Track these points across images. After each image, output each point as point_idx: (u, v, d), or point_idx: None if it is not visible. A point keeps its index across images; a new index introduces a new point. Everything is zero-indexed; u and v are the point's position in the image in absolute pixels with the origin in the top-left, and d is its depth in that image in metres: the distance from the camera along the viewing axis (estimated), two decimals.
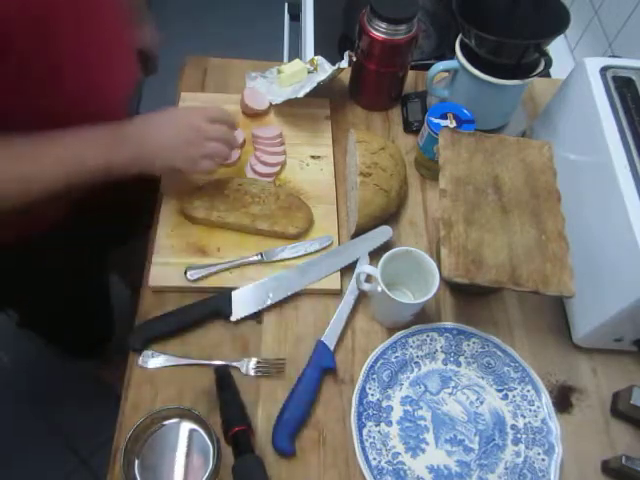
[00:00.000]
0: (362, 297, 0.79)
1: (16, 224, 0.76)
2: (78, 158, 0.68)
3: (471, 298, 0.81)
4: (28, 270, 0.87)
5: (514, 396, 0.73)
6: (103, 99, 0.75)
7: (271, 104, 0.96)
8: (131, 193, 0.85)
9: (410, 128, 0.97)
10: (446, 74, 0.96)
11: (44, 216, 0.79)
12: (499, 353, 0.75)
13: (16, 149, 0.64)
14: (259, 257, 0.79)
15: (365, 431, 0.69)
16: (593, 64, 0.81)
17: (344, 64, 0.92)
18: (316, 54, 1.04)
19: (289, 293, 0.77)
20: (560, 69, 0.99)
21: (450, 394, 0.73)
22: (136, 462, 0.61)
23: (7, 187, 0.64)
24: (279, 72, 0.97)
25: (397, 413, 0.71)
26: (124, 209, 0.93)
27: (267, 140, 0.90)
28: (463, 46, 0.88)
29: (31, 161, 0.65)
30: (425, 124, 0.87)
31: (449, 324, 0.77)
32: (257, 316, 0.77)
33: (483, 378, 0.74)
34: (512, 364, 0.74)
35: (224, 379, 0.69)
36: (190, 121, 0.74)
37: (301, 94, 0.91)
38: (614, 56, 1.06)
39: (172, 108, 0.78)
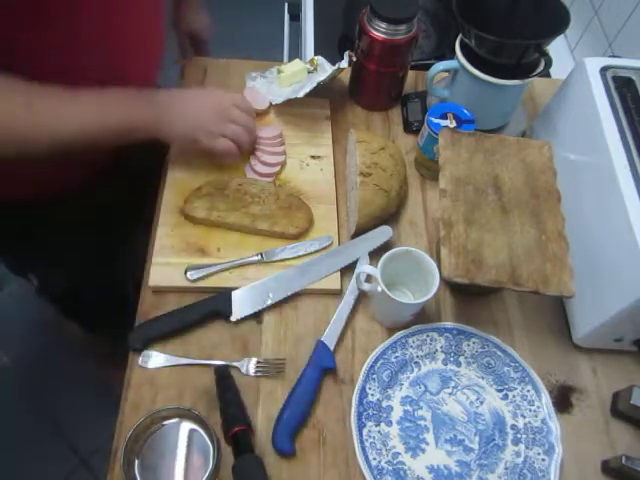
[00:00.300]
0: (362, 297, 0.79)
1: (33, 181, 0.79)
2: (101, 114, 0.70)
3: (471, 298, 0.81)
4: (46, 229, 0.88)
5: (514, 396, 0.73)
6: (123, 55, 0.77)
7: (271, 104, 0.96)
8: (135, 163, 0.89)
9: (410, 128, 0.97)
10: (446, 74, 0.96)
11: (59, 176, 0.80)
12: (499, 353, 0.75)
13: (41, 96, 0.66)
14: (259, 257, 0.79)
15: (365, 431, 0.69)
16: (593, 64, 0.81)
17: (344, 64, 0.92)
18: (316, 54, 1.04)
19: (289, 293, 0.77)
20: (560, 69, 0.99)
21: (450, 394, 0.73)
22: (136, 462, 0.61)
23: (27, 134, 0.66)
24: (279, 72, 0.97)
25: (397, 413, 0.71)
26: (130, 181, 0.95)
27: (267, 140, 0.90)
28: (463, 46, 0.88)
29: (54, 111, 0.67)
30: (425, 124, 0.87)
31: (449, 324, 0.77)
32: (257, 316, 0.77)
33: (483, 378, 0.74)
34: (512, 364, 0.74)
35: (224, 379, 0.69)
36: (218, 99, 0.80)
37: (301, 94, 0.91)
38: (614, 56, 1.06)
39: (200, 87, 0.83)
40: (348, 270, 0.80)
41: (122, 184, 0.92)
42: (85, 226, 0.91)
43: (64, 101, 0.67)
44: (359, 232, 0.82)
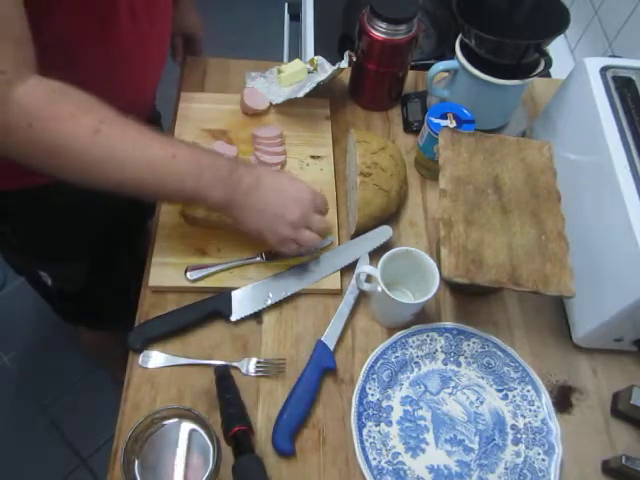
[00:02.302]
0: (362, 297, 0.79)
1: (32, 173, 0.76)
2: (174, 174, 0.65)
3: (471, 298, 0.81)
4: (61, 216, 0.87)
5: (514, 396, 0.73)
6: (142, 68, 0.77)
7: (271, 104, 0.96)
8: None
9: (410, 128, 0.97)
10: (446, 74, 0.96)
11: None
12: (499, 353, 0.75)
13: (114, 125, 0.61)
14: (259, 257, 0.79)
15: (365, 431, 0.69)
16: (593, 64, 0.81)
17: (344, 64, 0.92)
18: (316, 54, 1.04)
19: (289, 293, 0.77)
20: (560, 69, 0.99)
21: (450, 394, 0.73)
22: (136, 462, 0.61)
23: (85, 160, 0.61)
24: (279, 72, 0.97)
25: (397, 413, 0.71)
26: None
27: (267, 140, 0.90)
28: (463, 46, 0.88)
29: (120, 146, 0.62)
30: (425, 124, 0.87)
31: (449, 324, 0.77)
32: (257, 316, 0.77)
33: (483, 378, 0.74)
34: (512, 364, 0.74)
35: (224, 379, 0.69)
36: (301, 201, 0.72)
37: (301, 94, 0.91)
38: (614, 56, 1.06)
39: (288, 175, 0.76)
40: (348, 270, 0.80)
41: None
42: (92, 219, 0.91)
43: (137, 141, 0.63)
44: (359, 232, 0.82)
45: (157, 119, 1.10)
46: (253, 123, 0.94)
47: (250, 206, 0.70)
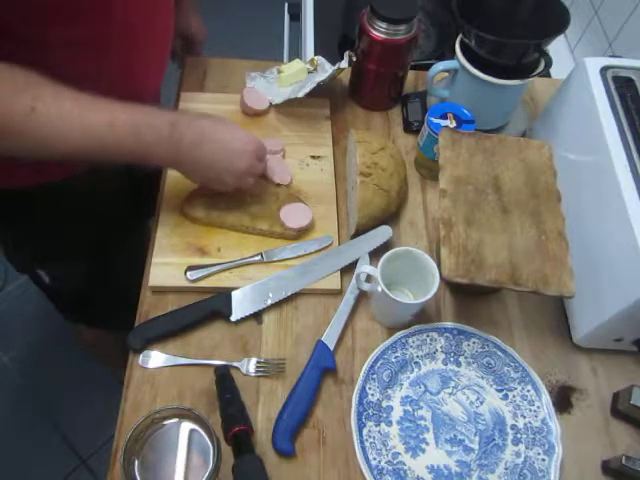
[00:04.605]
0: (362, 297, 0.79)
1: (31, 173, 0.78)
2: (114, 137, 0.66)
3: (471, 298, 0.81)
4: (60, 216, 0.88)
5: (514, 396, 0.73)
6: (145, 60, 0.77)
7: (271, 104, 0.96)
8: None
9: (410, 128, 0.97)
10: (446, 74, 0.96)
11: (62, 167, 0.80)
12: (499, 353, 0.75)
13: (48, 100, 0.62)
14: (259, 257, 0.79)
15: (365, 431, 0.69)
16: (593, 64, 0.81)
17: (344, 64, 0.92)
18: (316, 54, 1.04)
19: (289, 293, 0.77)
20: (560, 69, 0.99)
21: (450, 394, 0.73)
22: (136, 462, 0.61)
23: (23, 136, 0.62)
24: (279, 72, 0.97)
25: (397, 413, 0.71)
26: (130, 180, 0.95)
27: (268, 154, 0.88)
28: (463, 46, 0.88)
29: (58, 121, 0.63)
30: (425, 124, 0.87)
31: (449, 324, 0.77)
32: (257, 316, 0.77)
33: (483, 378, 0.74)
34: (512, 364, 0.74)
35: (224, 379, 0.69)
36: (245, 153, 0.75)
37: (301, 94, 0.91)
38: (614, 56, 1.06)
39: (231, 126, 0.76)
40: (348, 270, 0.80)
41: (123, 183, 0.92)
42: (91, 219, 0.91)
43: (73, 113, 0.63)
44: (359, 232, 0.82)
45: None
46: (253, 123, 0.94)
47: (195, 161, 0.73)
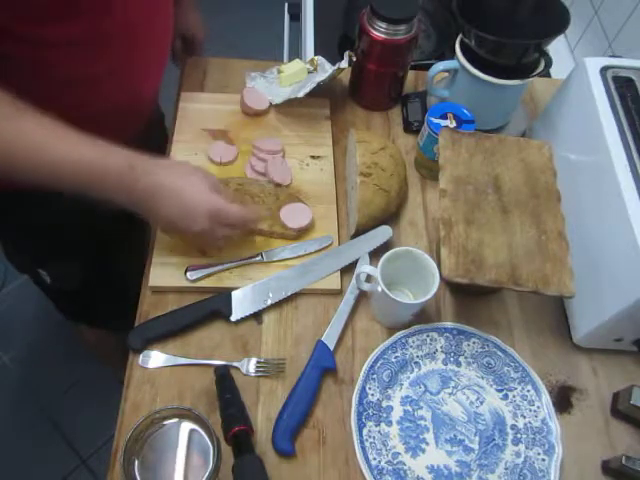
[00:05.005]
0: (362, 297, 0.79)
1: None
2: (72, 165, 0.64)
3: (471, 298, 0.81)
4: (60, 217, 0.86)
5: (514, 396, 0.73)
6: (145, 60, 0.76)
7: (271, 104, 0.96)
8: None
9: (410, 128, 0.97)
10: (446, 74, 0.96)
11: None
12: (499, 353, 0.75)
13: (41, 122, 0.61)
14: (259, 257, 0.79)
15: (365, 431, 0.69)
16: (593, 64, 0.81)
17: (344, 64, 0.92)
18: (316, 54, 1.04)
19: (289, 293, 0.77)
20: (560, 69, 0.99)
21: (450, 394, 0.73)
22: (136, 462, 0.61)
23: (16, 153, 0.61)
24: (279, 72, 0.97)
25: (397, 413, 0.71)
26: None
27: (268, 154, 0.89)
28: (463, 46, 0.88)
29: (15, 141, 0.61)
30: (425, 124, 0.87)
31: (449, 324, 0.77)
32: (257, 316, 0.77)
33: (483, 378, 0.74)
34: (512, 364, 0.74)
35: (224, 379, 0.69)
36: (200, 215, 0.69)
37: (301, 94, 0.91)
38: (614, 56, 1.06)
39: (196, 183, 0.69)
40: (348, 270, 0.80)
41: None
42: (91, 219, 0.90)
43: (29, 134, 0.61)
44: (359, 232, 0.82)
45: (160, 119, 1.10)
46: (253, 123, 0.94)
47: (149, 210, 0.69)
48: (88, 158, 0.64)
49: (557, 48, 1.13)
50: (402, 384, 0.73)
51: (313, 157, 0.91)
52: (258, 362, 0.73)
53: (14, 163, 0.63)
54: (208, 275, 0.77)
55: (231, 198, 0.73)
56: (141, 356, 0.72)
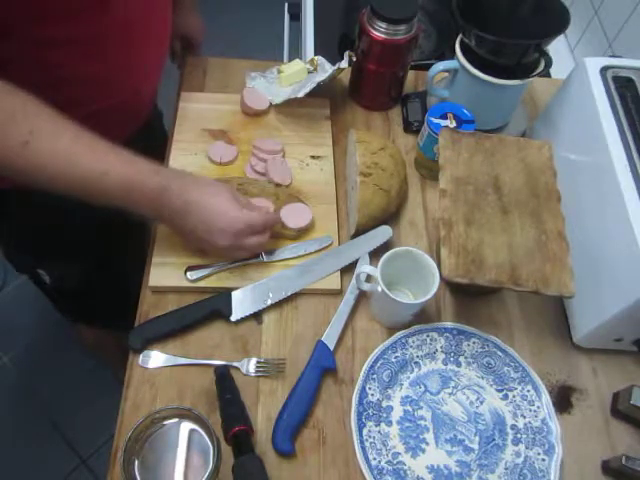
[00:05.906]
0: (362, 297, 0.79)
1: None
2: (112, 190, 0.65)
3: (471, 298, 0.81)
4: (60, 217, 0.86)
5: (514, 396, 0.73)
6: (141, 53, 0.76)
7: (271, 104, 0.96)
8: None
9: (410, 128, 0.97)
10: (446, 74, 0.96)
11: None
12: (499, 353, 0.75)
13: (42, 134, 0.61)
14: (259, 257, 0.79)
15: (365, 431, 0.69)
16: (593, 64, 0.81)
17: (344, 64, 0.92)
18: (316, 54, 1.04)
19: (289, 293, 0.77)
20: (560, 69, 0.99)
21: (450, 394, 0.73)
22: (136, 462, 0.61)
23: (22, 170, 0.62)
24: (279, 72, 0.97)
25: (397, 413, 0.71)
26: None
27: (268, 154, 0.89)
28: (463, 46, 0.88)
29: (51, 158, 0.62)
30: (425, 124, 0.87)
31: (449, 324, 0.77)
32: (257, 316, 0.77)
33: (483, 378, 0.74)
34: (512, 364, 0.74)
35: (224, 379, 0.69)
36: (229, 232, 0.72)
37: (301, 94, 0.91)
38: (614, 56, 1.06)
39: (224, 201, 0.72)
40: (348, 270, 0.80)
41: None
42: (91, 219, 0.91)
43: (66, 153, 0.62)
44: (359, 232, 0.82)
45: (159, 118, 1.10)
46: (253, 123, 0.94)
47: (175, 226, 0.74)
48: (122, 177, 0.65)
49: (557, 48, 1.13)
50: (402, 384, 0.73)
51: (313, 157, 0.91)
52: (258, 362, 0.73)
53: (45, 181, 0.63)
54: (208, 275, 0.77)
55: (250, 206, 0.76)
56: (141, 356, 0.72)
